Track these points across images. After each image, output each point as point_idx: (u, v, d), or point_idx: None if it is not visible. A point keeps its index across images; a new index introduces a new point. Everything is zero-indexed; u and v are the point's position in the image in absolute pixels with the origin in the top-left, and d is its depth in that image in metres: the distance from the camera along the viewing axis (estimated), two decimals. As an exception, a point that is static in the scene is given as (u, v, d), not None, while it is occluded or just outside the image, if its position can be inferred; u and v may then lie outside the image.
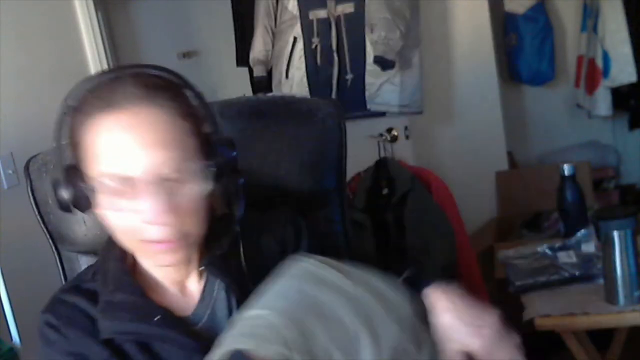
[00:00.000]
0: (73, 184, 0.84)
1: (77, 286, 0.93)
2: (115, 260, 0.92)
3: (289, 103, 1.18)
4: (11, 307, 1.86)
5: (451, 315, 0.87)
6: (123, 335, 0.86)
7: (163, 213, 0.80)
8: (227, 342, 0.75)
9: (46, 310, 0.90)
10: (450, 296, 0.91)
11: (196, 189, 0.83)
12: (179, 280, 0.94)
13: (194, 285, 0.94)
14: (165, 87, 0.84)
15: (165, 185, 0.80)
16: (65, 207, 0.86)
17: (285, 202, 1.07)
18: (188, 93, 0.86)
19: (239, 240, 0.94)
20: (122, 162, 0.80)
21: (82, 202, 0.84)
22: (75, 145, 0.85)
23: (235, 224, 0.92)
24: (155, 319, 0.86)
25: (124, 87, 0.82)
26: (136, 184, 0.80)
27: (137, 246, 0.86)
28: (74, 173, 0.84)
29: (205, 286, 0.93)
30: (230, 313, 0.90)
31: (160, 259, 0.86)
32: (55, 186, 0.86)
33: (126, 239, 0.86)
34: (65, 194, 0.85)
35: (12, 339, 1.86)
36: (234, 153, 0.89)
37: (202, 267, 0.92)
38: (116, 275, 0.90)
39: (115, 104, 0.81)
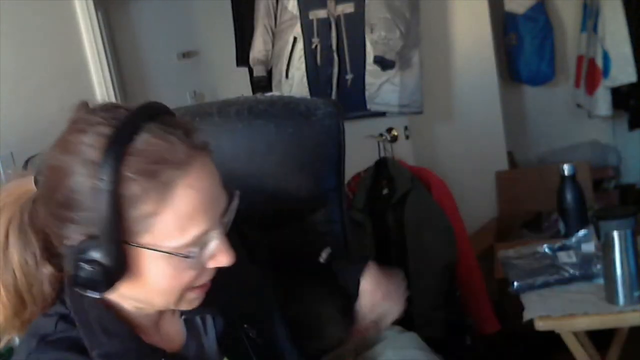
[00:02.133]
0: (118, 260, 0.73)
1: (59, 340, 0.80)
2: (95, 310, 0.80)
3: (288, 103, 1.18)
4: (11, 307, 1.85)
5: (375, 294, 1.03)
6: None
7: (233, 254, 0.80)
8: None
9: None
10: (376, 279, 1.04)
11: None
12: (156, 318, 0.88)
13: (170, 318, 0.89)
14: (189, 123, 0.79)
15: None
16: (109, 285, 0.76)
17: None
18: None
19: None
20: (210, 215, 0.76)
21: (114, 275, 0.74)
22: (143, 218, 0.73)
23: None
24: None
25: (175, 137, 0.75)
26: (213, 232, 0.77)
27: (179, 297, 0.80)
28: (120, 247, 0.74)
29: (184, 316, 0.89)
30: (216, 335, 0.90)
31: (196, 301, 0.83)
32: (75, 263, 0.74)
33: (169, 296, 0.79)
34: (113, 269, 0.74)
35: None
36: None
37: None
38: (102, 322, 0.80)
39: (181, 162, 0.73)
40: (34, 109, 2.12)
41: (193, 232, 0.74)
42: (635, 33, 2.97)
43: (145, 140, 0.72)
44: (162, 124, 0.74)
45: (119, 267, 0.73)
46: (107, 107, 0.77)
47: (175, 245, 0.74)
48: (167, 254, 0.74)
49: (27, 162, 1.09)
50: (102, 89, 2.42)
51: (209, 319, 0.90)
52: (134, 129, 0.72)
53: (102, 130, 0.72)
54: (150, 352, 0.82)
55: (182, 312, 0.88)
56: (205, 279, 0.80)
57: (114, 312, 0.82)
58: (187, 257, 0.75)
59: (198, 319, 0.90)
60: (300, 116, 1.15)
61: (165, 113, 0.77)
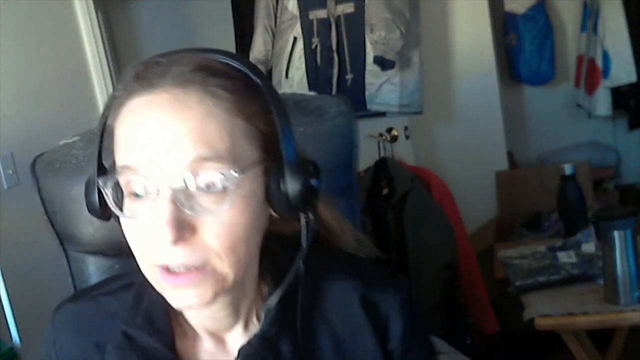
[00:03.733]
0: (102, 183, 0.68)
1: (95, 297, 0.79)
2: (156, 290, 0.71)
3: (299, 101, 1.13)
4: (11, 307, 1.85)
5: None
6: None
7: (177, 227, 0.62)
8: None
9: (56, 323, 0.78)
10: None
11: (233, 210, 0.64)
12: (216, 332, 0.76)
13: (237, 342, 0.75)
14: (228, 76, 0.66)
15: (188, 195, 0.63)
16: (95, 212, 0.72)
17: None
18: (262, 101, 0.68)
19: (298, 296, 0.73)
20: (142, 157, 0.63)
21: (106, 207, 0.69)
22: (111, 136, 0.68)
23: (298, 265, 0.71)
24: None
25: (174, 68, 0.66)
26: (153, 188, 0.63)
27: (155, 277, 0.68)
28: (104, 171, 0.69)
29: (243, 347, 0.74)
30: None
31: (178, 297, 0.66)
32: (87, 187, 0.72)
33: (144, 265, 0.68)
34: (93, 195, 0.71)
35: (12, 339, 1.86)
36: (315, 182, 0.68)
37: (244, 344, 0.73)
38: (151, 309, 0.74)
39: (156, 85, 0.64)
40: (34, 109, 2.12)
41: (122, 161, 0.65)
42: (635, 33, 2.97)
43: (134, 67, 0.68)
44: (167, 56, 0.69)
45: (99, 192, 0.69)
46: None
47: (115, 170, 0.66)
48: (106, 180, 0.67)
49: (34, 161, 1.09)
50: (102, 89, 2.42)
51: None
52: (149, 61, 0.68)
53: None
54: None
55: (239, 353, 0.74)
56: (169, 256, 0.64)
57: (168, 306, 0.72)
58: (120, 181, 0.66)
59: None
60: (312, 114, 1.10)
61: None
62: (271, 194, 0.68)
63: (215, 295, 0.66)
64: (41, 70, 2.19)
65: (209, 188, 0.63)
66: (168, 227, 0.61)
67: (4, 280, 1.85)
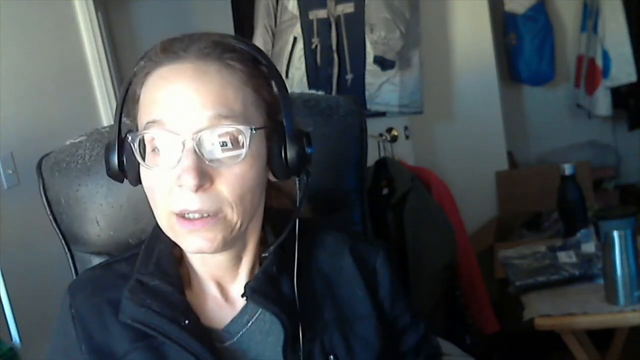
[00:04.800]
0: (124, 147, 0.78)
1: (109, 264, 0.88)
2: (165, 243, 0.83)
3: (308, 100, 1.13)
4: (11, 307, 1.85)
5: None
6: (143, 326, 0.78)
7: (199, 174, 0.71)
8: None
9: (72, 289, 0.84)
10: None
11: (244, 164, 0.74)
12: (221, 281, 0.84)
13: (239, 292, 0.83)
14: (241, 54, 0.77)
15: (209, 148, 0.73)
16: (114, 174, 0.80)
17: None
18: (267, 77, 0.80)
19: (295, 245, 0.83)
20: (169, 113, 0.73)
21: (128, 166, 0.78)
22: (134, 103, 0.79)
23: (295, 220, 0.82)
24: (185, 322, 0.78)
25: (195, 44, 0.76)
26: (179, 140, 0.72)
27: (171, 224, 0.76)
28: (127, 135, 0.78)
29: (247, 299, 0.82)
30: (266, 339, 0.81)
31: (192, 241, 0.75)
32: (107, 150, 0.80)
33: (161, 214, 0.77)
34: (114, 157, 0.79)
35: (12, 339, 1.86)
36: (309, 150, 0.79)
37: (247, 284, 0.81)
38: (161, 258, 0.83)
39: (181, 57, 0.75)
40: (34, 109, 2.12)
41: (147, 118, 0.75)
42: (635, 33, 2.97)
43: (157, 45, 0.78)
44: (189, 35, 0.78)
45: (117, 159, 0.79)
46: None
47: (139, 129, 0.77)
48: (134, 136, 0.76)
49: (41, 161, 1.08)
50: (102, 89, 2.42)
51: (279, 328, 0.80)
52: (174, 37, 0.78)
53: None
54: (182, 308, 0.79)
55: (244, 294, 0.81)
56: (187, 202, 0.73)
57: (178, 257, 0.84)
58: (145, 137, 0.75)
59: (268, 315, 0.81)
60: (321, 114, 1.10)
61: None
62: (272, 157, 0.78)
63: (225, 242, 0.76)
64: (41, 70, 2.19)
65: (225, 144, 0.74)
66: (192, 174, 0.71)
67: (4, 280, 1.84)
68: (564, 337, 1.63)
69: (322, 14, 2.58)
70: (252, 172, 0.76)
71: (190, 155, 0.72)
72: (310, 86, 2.60)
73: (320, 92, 1.18)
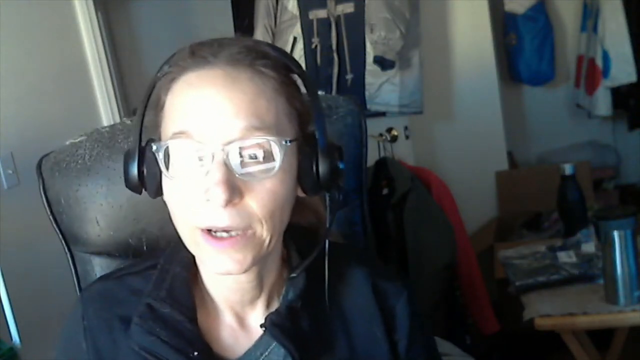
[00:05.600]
0: (145, 156, 0.74)
1: (122, 277, 0.84)
2: (180, 265, 0.80)
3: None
4: (11, 307, 1.85)
5: None
6: (149, 355, 0.75)
7: (229, 189, 0.67)
8: None
9: (85, 300, 0.82)
10: None
11: (276, 178, 0.70)
12: (238, 307, 0.80)
13: (256, 322, 0.79)
14: (274, 60, 0.73)
15: (239, 160, 0.69)
16: (133, 185, 0.76)
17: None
18: (298, 85, 0.76)
19: (324, 272, 0.79)
20: (198, 124, 0.68)
21: (149, 177, 0.74)
22: (157, 109, 0.75)
23: (324, 241, 0.77)
24: (193, 354, 0.74)
25: (226, 49, 0.72)
26: (208, 152, 0.68)
27: (195, 239, 0.72)
28: (150, 144, 0.74)
29: (264, 331, 0.77)
30: None
31: (219, 263, 0.71)
32: (127, 159, 0.75)
33: (185, 229, 0.73)
34: (134, 167, 0.74)
35: (12, 339, 1.86)
36: (341, 164, 0.75)
37: (265, 320, 0.77)
38: (174, 283, 0.79)
39: (211, 62, 0.71)
40: (34, 109, 2.12)
41: (174, 128, 0.70)
42: (635, 33, 2.97)
43: (183, 49, 0.75)
44: (218, 40, 0.74)
45: (136, 170, 0.74)
46: None
47: (164, 138, 0.72)
48: (159, 146, 0.71)
49: (40, 161, 1.08)
50: (102, 89, 2.43)
51: (288, 358, 0.76)
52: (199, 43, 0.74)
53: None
54: (192, 338, 0.76)
55: (264, 324, 0.77)
56: (216, 218, 0.69)
57: (192, 282, 0.80)
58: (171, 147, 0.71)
59: (280, 350, 0.77)
60: None
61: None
62: (303, 171, 0.74)
63: (254, 262, 0.72)
64: (41, 70, 2.19)
65: (256, 157, 0.69)
66: (222, 188, 0.66)
67: (4, 280, 1.85)
68: (564, 337, 1.63)
69: (322, 14, 2.58)
70: (283, 187, 0.71)
71: (220, 168, 0.67)
72: (310, 86, 2.60)
73: (320, 92, 1.18)
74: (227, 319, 0.80)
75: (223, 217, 0.68)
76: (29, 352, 1.85)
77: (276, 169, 0.69)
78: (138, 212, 1.02)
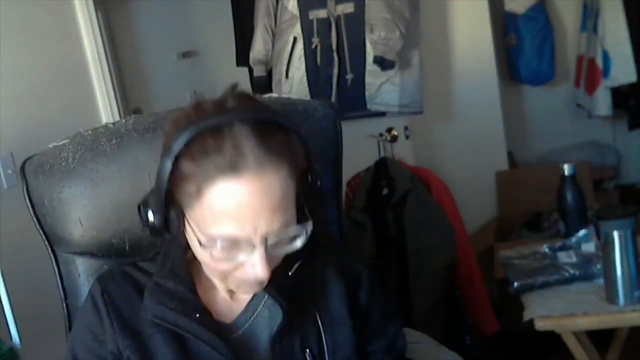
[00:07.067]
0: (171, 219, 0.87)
1: (134, 263, 1.00)
2: (179, 248, 0.95)
3: (285, 104, 1.18)
4: (11, 307, 1.85)
5: None
6: (162, 321, 0.90)
7: (268, 269, 0.84)
8: None
9: (102, 279, 0.97)
10: None
11: (294, 245, 0.87)
12: (225, 293, 0.98)
13: (246, 295, 0.97)
14: (280, 143, 0.83)
15: (273, 243, 0.84)
16: (158, 231, 0.88)
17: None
18: (293, 136, 0.86)
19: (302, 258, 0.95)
20: (240, 227, 0.81)
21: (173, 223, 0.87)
22: (191, 198, 0.83)
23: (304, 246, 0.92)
24: (196, 316, 0.90)
25: (243, 145, 0.80)
26: (249, 246, 0.83)
27: (222, 277, 0.90)
28: (175, 214, 0.86)
29: (252, 297, 0.96)
30: (270, 331, 0.94)
31: (246, 290, 0.92)
32: (145, 208, 0.88)
33: (215, 278, 0.94)
34: (157, 218, 0.87)
35: (12, 339, 1.86)
36: (319, 184, 0.92)
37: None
38: (175, 262, 0.95)
39: (240, 167, 0.80)
40: (34, 109, 2.12)
41: (219, 230, 0.81)
42: (635, 33, 2.97)
43: (216, 136, 0.80)
44: (251, 127, 0.81)
45: (160, 223, 0.86)
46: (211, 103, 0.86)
47: (205, 232, 0.83)
48: (197, 234, 0.84)
49: (24, 163, 1.09)
50: (102, 89, 2.43)
51: (277, 317, 0.93)
52: (219, 123, 0.81)
53: (191, 117, 0.83)
54: (194, 304, 0.92)
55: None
56: (249, 278, 0.85)
57: (189, 260, 0.95)
58: (206, 247, 0.83)
59: (267, 310, 0.95)
60: (298, 117, 1.15)
61: (266, 123, 0.83)
62: (298, 203, 0.88)
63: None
64: (41, 70, 2.19)
65: (285, 241, 0.86)
66: (263, 273, 0.83)
67: (4, 280, 1.85)
68: (564, 337, 1.63)
69: (322, 14, 2.58)
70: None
71: (262, 259, 0.83)
72: (310, 86, 2.61)
73: (296, 97, 1.26)
74: (221, 293, 0.97)
75: (260, 287, 0.89)
76: (29, 352, 1.85)
77: (300, 245, 0.86)
78: (121, 213, 1.04)
